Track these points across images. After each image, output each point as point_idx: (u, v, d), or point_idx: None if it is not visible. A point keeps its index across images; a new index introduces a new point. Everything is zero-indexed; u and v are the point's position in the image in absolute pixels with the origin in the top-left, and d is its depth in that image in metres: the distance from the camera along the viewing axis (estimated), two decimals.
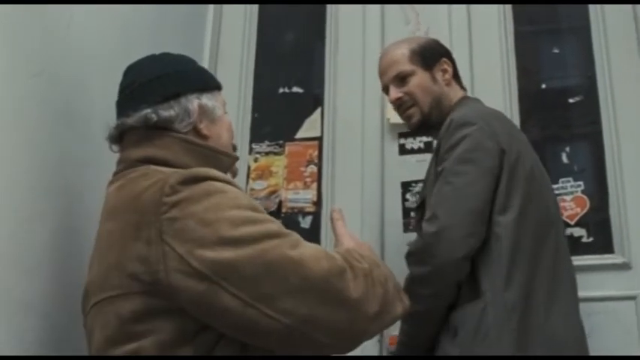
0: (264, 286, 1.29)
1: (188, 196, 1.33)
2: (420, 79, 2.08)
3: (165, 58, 1.65)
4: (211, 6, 3.04)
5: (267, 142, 2.89)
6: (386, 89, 2.16)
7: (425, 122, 2.10)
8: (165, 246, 1.29)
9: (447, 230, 1.78)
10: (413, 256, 1.85)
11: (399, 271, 2.26)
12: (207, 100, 1.60)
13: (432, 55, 2.13)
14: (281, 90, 2.97)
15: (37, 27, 1.71)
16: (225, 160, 1.60)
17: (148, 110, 1.52)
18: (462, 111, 2.00)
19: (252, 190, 2.82)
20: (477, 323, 1.74)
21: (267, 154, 2.87)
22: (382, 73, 2.16)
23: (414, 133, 2.25)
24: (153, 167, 1.47)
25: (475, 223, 1.80)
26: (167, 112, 1.53)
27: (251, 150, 2.89)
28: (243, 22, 3.06)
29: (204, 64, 2.90)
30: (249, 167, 2.86)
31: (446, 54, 2.17)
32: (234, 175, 1.68)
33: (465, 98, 2.14)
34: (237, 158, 1.67)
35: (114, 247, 1.37)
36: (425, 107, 2.07)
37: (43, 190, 1.68)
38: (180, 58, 1.68)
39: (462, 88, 2.19)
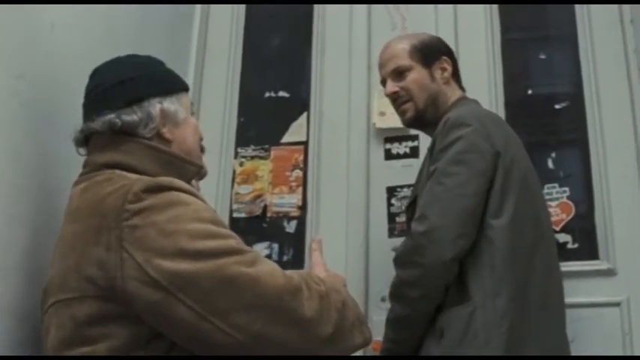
0: (220, 300, 1.30)
1: (151, 204, 1.34)
2: (417, 75, 2.08)
3: (130, 61, 1.64)
4: (198, 7, 3.03)
5: (252, 147, 2.87)
6: (384, 82, 2.16)
7: (419, 118, 2.09)
8: (124, 253, 1.30)
9: (437, 231, 1.77)
10: (401, 259, 1.84)
11: (384, 275, 2.28)
12: (169, 103, 1.59)
13: (432, 52, 2.12)
14: (267, 94, 2.96)
15: (19, 28, 1.70)
16: (190, 169, 1.60)
17: (112, 115, 1.52)
18: (458, 111, 1.99)
19: (237, 194, 2.80)
20: (465, 326, 1.73)
21: (252, 158, 2.85)
22: (381, 66, 2.16)
23: (407, 127, 2.23)
24: (118, 172, 1.47)
25: (465, 224, 1.79)
26: (130, 116, 1.53)
27: (236, 154, 2.87)
28: (230, 25, 3.05)
29: (191, 67, 2.90)
30: (234, 171, 2.84)
31: (447, 53, 2.17)
32: (203, 177, 1.67)
33: (463, 98, 2.13)
34: (202, 166, 1.66)
35: (74, 249, 1.38)
36: (420, 103, 2.07)
37: (22, 191, 1.67)
38: (146, 60, 1.67)
39: (461, 88, 2.19)
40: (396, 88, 2.09)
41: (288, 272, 1.42)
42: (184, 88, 1.69)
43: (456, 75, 2.17)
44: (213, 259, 1.32)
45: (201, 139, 1.71)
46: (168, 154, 1.56)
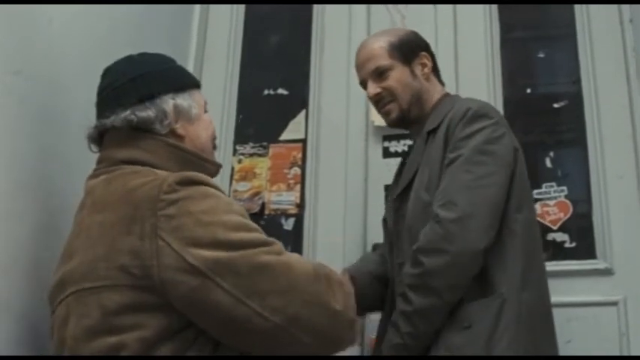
0: (257, 284, 1.35)
1: (186, 195, 1.37)
2: (399, 73, 2.02)
3: (141, 58, 1.65)
4: (197, 6, 3.03)
5: (251, 144, 2.88)
6: (363, 84, 2.09)
7: (403, 118, 2.04)
8: (160, 241, 1.32)
9: (469, 219, 1.73)
10: (427, 247, 1.76)
11: None
12: (182, 100, 1.60)
13: (411, 48, 2.06)
14: (266, 92, 2.96)
15: (17, 24, 1.70)
16: (209, 167, 1.63)
17: (127, 112, 1.53)
18: (477, 102, 1.96)
19: (235, 191, 2.81)
20: (496, 319, 1.71)
21: (251, 155, 2.86)
22: (360, 67, 2.09)
23: (392, 128, 2.17)
24: (141, 167, 1.49)
25: (494, 215, 1.77)
26: (144, 112, 1.54)
27: (235, 151, 2.88)
28: (229, 23, 3.06)
29: (190, 64, 2.90)
30: (232, 168, 2.85)
31: (425, 47, 2.11)
32: (217, 173, 1.69)
33: (446, 96, 2.09)
34: (220, 165, 1.70)
35: (103, 238, 1.38)
36: (404, 103, 2.01)
37: (20, 188, 1.67)
38: (158, 57, 1.68)
39: (441, 82, 2.14)
40: (379, 90, 2.02)
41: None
42: (196, 84, 1.70)
43: (435, 69, 2.12)
44: (248, 248, 1.36)
45: (214, 137, 1.72)
46: (187, 153, 1.58)
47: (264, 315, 1.33)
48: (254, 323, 1.33)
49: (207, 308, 1.33)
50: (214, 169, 1.66)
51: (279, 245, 1.43)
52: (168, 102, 1.57)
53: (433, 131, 1.97)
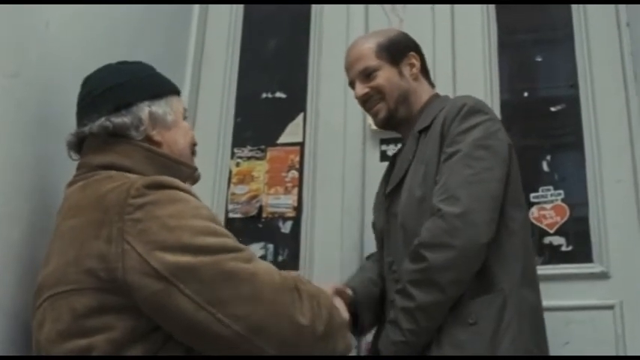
0: (219, 291, 1.34)
1: (153, 200, 1.38)
2: (386, 73, 2.03)
3: (120, 67, 1.68)
4: (196, 8, 3.04)
5: (249, 147, 2.88)
6: (352, 84, 2.10)
7: (391, 118, 2.04)
8: (125, 244, 1.33)
9: (472, 213, 1.74)
10: (430, 241, 1.76)
11: None
12: (157, 107, 1.63)
13: (399, 49, 2.07)
14: (264, 95, 2.97)
15: (14, 26, 1.70)
16: (184, 170, 1.64)
17: (102, 119, 1.56)
18: (472, 99, 1.97)
19: (233, 194, 2.82)
20: (499, 315, 1.72)
21: (249, 158, 2.87)
22: (348, 68, 2.10)
23: (381, 129, 2.18)
24: (115, 172, 1.51)
25: (495, 209, 1.78)
26: (120, 119, 1.57)
27: (233, 154, 2.89)
28: (227, 26, 3.07)
29: (188, 68, 2.91)
30: (230, 171, 2.86)
31: (414, 48, 2.11)
32: (196, 181, 1.72)
33: (436, 96, 2.10)
34: (195, 169, 1.71)
35: (74, 243, 1.40)
36: (391, 102, 2.02)
37: (16, 190, 1.68)
38: (136, 66, 1.71)
39: (431, 84, 2.14)
40: (366, 90, 2.04)
41: (281, 271, 1.47)
42: (174, 91, 1.73)
43: (424, 71, 2.13)
44: (213, 254, 1.36)
45: (194, 144, 1.74)
46: (163, 156, 1.60)
47: (225, 322, 1.33)
48: (215, 330, 1.33)
49: (169, 312, 1.33)
50: (190, 171, 1.67)
51: (248, 252, 1.44)
52: (144, 109, 1.60)
53: (425, 130, 1.98)
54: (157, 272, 1.31)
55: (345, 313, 1.71)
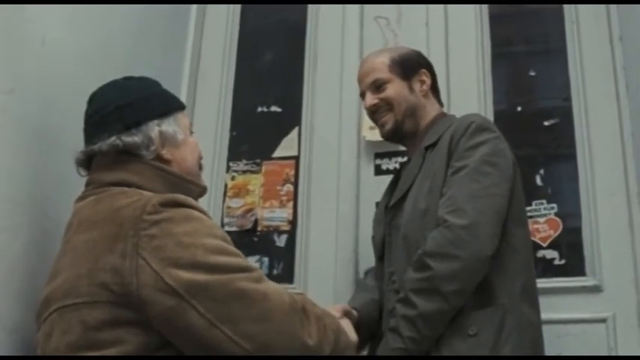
0: (231, 310, 1.37)
1: (169, 217, 1.40)
2: (396, 86, 2.09)
3: (126, 84, 1.68)
4: (192, 23, 3.06)
5: (244, 161, 2.90)
6: (363, 95, 2.17)
7: (398, 130, 2.09)
8: (140, 260, 1.35)
9: (478, 226, 1.77)
10: (436, 251, 1.77)
11: None
12: (167, 125, 1.65)
13: (411, 65, 2.13)
14: (260, 109, 2.98)
15: (9, 42, 1.72)
16: (194, 190, 1.67)
17: (113, 138, 1.57)
18: (479, 116, 2.03)
19: (228, 207, 2.82)
20: (499, 328, 1.75)
21: (244, 172, 2.88)
22: (360, 79, 2.17)
23: (386, 140, 2.20)
24: (128, 188, 1.52)
25: (499, 224, 1.81)
26: (130, 138, 1.58)
27: (228, 168, 2.90)
28: (223, 40, 3.09)
29: (184, 82, 2.92)
30: (226, 185, 2.87)
31: (427, 66, 2.17)
32: (203, 195, 1.74)
33: (443, 114, 2.14)
34: (205, 187, 1.74)
35: (87, 256, 1.41)
36: (399, 115, 2.07)
37: (15, 205, 1.69)
38: (143, 82, 1.72)
39: (440, 103, 2.19)
40: (376, 100, 2.10)
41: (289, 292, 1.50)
42: (181, 107, 1.74)
43: (435, 89, 2.18)
44: (226, 273, 1.39)
45: (200, 158, 1.77)
46: (174, 176, 1.62)
47: (236, 340, 1.35)
48: (225, 348, 1.36)
49: (181, 329, 1.35)
50: (199, 190, 1.70)
51: (259, 273, 1.46)
52: (154, 128, 1.61)
53: (432, 146, 2.01)
54: (171, 288, 1.34)
55: (353, 335, 1.76)
